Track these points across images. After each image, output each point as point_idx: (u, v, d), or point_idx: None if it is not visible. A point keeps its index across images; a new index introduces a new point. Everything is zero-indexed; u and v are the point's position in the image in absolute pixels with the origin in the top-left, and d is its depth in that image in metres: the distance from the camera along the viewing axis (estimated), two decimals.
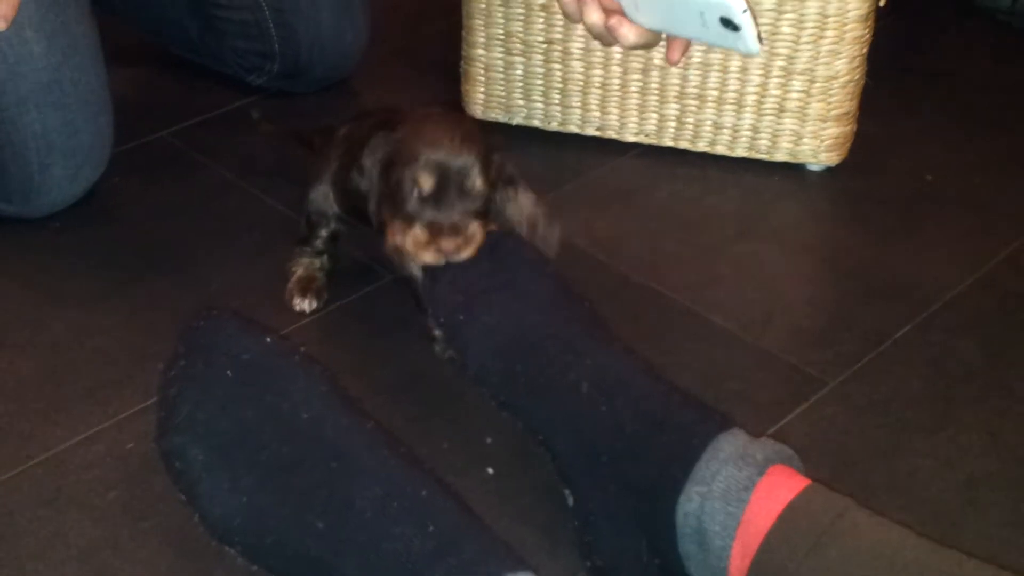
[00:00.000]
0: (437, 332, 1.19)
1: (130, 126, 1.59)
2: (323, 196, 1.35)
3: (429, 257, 1.15)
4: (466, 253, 1.15)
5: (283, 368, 1.05)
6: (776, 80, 1.55)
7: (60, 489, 1.13)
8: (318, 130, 1.46)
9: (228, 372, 1.03)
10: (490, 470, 1.16)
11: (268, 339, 1.07)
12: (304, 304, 1.36)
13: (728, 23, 1.03)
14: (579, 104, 1.64)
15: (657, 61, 1.57)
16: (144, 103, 1.73)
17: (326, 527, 0.96)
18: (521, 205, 1.23)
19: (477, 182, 1.15)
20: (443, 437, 1.19)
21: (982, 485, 1.16)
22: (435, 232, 1.14)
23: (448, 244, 1.14)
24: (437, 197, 1.14)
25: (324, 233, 1.37)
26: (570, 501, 1.08)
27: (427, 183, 1.14)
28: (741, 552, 0.94)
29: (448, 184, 1.14)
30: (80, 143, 1.43)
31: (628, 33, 1.12)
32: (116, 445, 1.17)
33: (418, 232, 1.14)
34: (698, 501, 0.96)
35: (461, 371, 1.17)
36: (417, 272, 1.21)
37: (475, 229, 1.15)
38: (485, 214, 1.18)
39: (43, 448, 1.17)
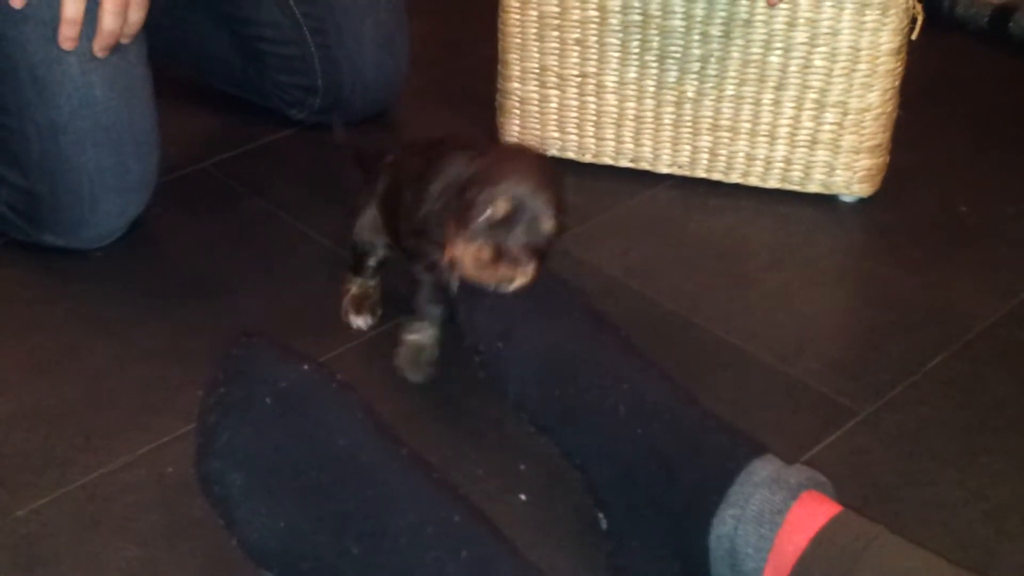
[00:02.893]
0: (476, 358, 1.20)
1: (172, 157, 1.61)
2: (370, 224, 1.37)
3: (483, 276, 1.15)
4: (516, 286, 1.15)
5: (320, 395, 1.06)
6: (809, 112, 1.56)
7: (100, 512, 1.14)
8: (371, 154, 1.48)
9: (266, 399, 1.04)
10: (523, 497, 1.17)
11: (305, 366, 1.08)
12: (359, 321, 1.38)
13: None
14: (613, 136, 1.66)
15: (690, 94, 1.59)
16: (186, 135, 1.76)
17: (361, 552, 0.97)
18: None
19: (549, 223, 1.15)
20: (477, 464, 1.21)
21: (1013, 515, 1.16)
22: (498, 256, 1.14)
23: (505, 272, 1.14)
24: (508, 224, 1.14)
25: (372, 263, 1.39)
26: (604, 524, 1.09)
27: (502, 208, 1.14)
28: (773, 575, 0.95)
29: (521, 216, 1.14)
30: (130, 181, 1.47)
31: None
32: (156, 469, 1.19)
33: (484, 249, 1.14)
34: (732, 524, 0.97)
35: (501, 398, 1.18)
36: (455, 290, 1.22)
37: (532, 269, 1.15)
38: (544, 257, 1.18)
39: (84, 472, 1.19)
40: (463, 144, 1.24)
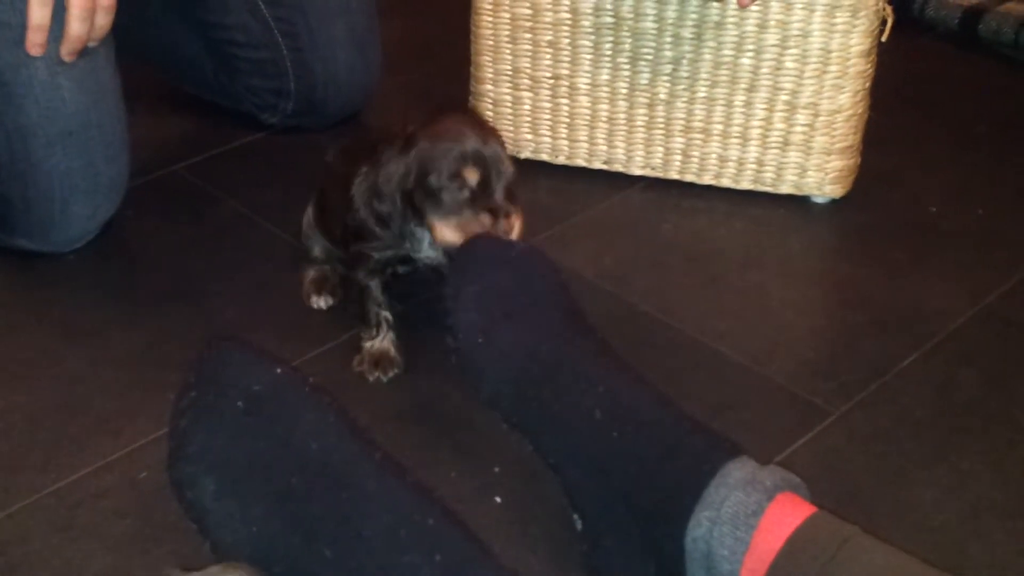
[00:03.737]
0: (451, 342, 1.20)
1: (144, 160, 1.61)
2: (307, 217, 1.43)
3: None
4: (517, 233, 1.20)
5: (293, 399, 1.06)
6: (780, 114, 1.57)
7: (73, 518, 1.14)
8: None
9: (239, 403, 1.04)
10: (498, 499, 1.17)
11: (278, 370, 1.08)
12: (320, 301, 1.41)
13: None
14: (586, 138, 1.66)
15: (662, 96, 1.59)
16: (158, 138, 1.76)
17: (335, 556, 0.97)
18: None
19: (509, 165, 1.21)
20: (451, 466, 1.20)
21: (986, 514, 1.17)
22: (494, 216, 1.19)
23: (507, 225, 1.19)
24: (483, 186, 1.19)
25: (317, 253, 1.43)
26: (579, 526, 1.09)
27: (473, 177, 1.19)
28: None
29: (489, 171, 1.19)
30: (101, 183, 1.46)
31: None
32: (128, 474, 1.19)
33: (484, 219, 1.19)
34: (707, 526, 0.98)
35: (474, 392, 1.18)
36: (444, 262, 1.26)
37: (519, 215, 1.20)
38: (516, 196, 1.22)
39: (57, 477, 1.18)
40: (413, 129, 1.27)
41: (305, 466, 1.01)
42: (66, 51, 1.37)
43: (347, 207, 1.27)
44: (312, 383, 1.08)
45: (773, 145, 1.59)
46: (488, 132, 1.22)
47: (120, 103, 1.48)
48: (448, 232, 1.20)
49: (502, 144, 1.22)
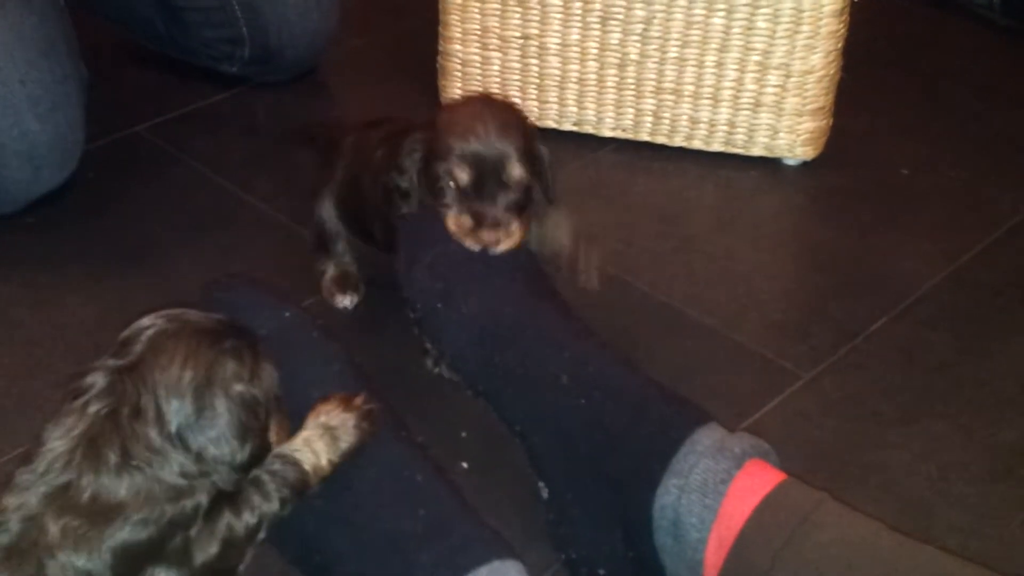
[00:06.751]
0: (411, 314, 1.19)
1: (104, 121, 1.59)
2: (329, 213, 1.35)
3: (470, 242, 1.15)
4: (505, 247, 1.15)
5: (299, 345, 1.06)
6: (752, 75, 1.55)
7: None
8: (320, 125, 1.47)
9: None
10: (464, 464, 1.16)
11: (287, 313, 1.08)
12: (346, 300, 1.36)
13: None
14: (556, 99, 1.64)
15: (633, 56, 1.57)
16: (118, 98, 1.73)
17: (323, 504, 0.97)
18: (561, 229, 1.24)
19: (515, 172, 1.14)
20: (418, 432, 1.18)
21: (954, 477, 1.17)
22: (478, 221, 1.14)
23: (488, 236, 1.14)
24: (477, 189, 1.14)
25: (339, 247, 1.37)
26: (544, 494, 1.08)
27: (463, 177, 1.14)
28: (717, 544, 0.95)
29: (486, 176, 1.14)
30: (35, 143, 1.40)
31: None
32: None
33: (463, 220, 1.15)
34: (675, 494, 0.97)
35: (438, 358, 1.17)
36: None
37: (516, 227, 1.15)
38: (526, 206, 1.17)
39: (16, 443, 1.16)
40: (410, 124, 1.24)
41: (303, 414, 1.00)
42: None
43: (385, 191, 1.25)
44: (320, 326, 1.09)
45: (744, 106, 1.58)
46: (503, 135, 1.15)
47: (51, 53, 1.41)
48: (449, 223, 1.17)
49: (519, 150, 1.15)
